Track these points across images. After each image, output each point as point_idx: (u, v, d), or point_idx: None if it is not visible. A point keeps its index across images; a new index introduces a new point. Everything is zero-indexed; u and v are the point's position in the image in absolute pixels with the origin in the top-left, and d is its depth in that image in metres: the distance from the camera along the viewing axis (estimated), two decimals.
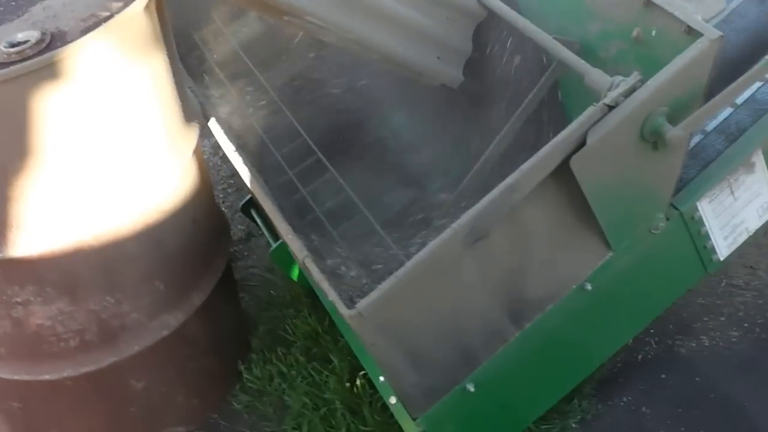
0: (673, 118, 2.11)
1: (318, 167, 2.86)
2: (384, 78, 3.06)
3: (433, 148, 2.95)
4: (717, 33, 2.08)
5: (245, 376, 2.95)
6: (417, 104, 2.99)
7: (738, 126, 2.52)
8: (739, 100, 2.56)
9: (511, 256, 2.21)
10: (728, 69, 2.21)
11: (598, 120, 2.07)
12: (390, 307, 2.04)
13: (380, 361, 2.21)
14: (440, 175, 2.90)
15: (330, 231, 2.73)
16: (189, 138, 2.55)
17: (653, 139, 2.13)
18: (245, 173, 2.53)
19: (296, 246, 2.28)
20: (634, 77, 2.12)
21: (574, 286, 2.34)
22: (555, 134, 2.17)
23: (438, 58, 2.61)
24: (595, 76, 2.27)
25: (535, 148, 2.05)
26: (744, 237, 2.57)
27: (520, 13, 2.63)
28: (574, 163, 2.07)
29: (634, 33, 2.33)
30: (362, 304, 2.00)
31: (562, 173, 2.08)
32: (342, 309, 2.05)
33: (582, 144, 2.06)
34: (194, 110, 2.64)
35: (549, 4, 2.62)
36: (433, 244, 2.02)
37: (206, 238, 2.70)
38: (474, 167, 2.63)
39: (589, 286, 2.34)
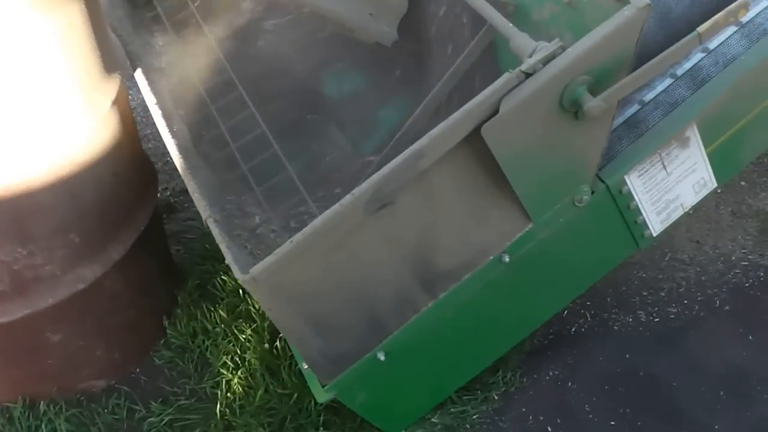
0: (596, 89, 2.02)
1: (251, 122, 2.76)
2: (326, 30, 2.95)
3: (369, 106, 2.85)
4: (644, 1, 1.97)
5: (168, 331, 2.90)
6: (356, 59, 2.88)
7: (677, 98, 2.42)
8: (680, 71, 2.45)
9: (421, 224, 2.13)
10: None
11: (513, 88, 1.97)
12: (286, 273, 1.97)
13: (280, 326, 2.16)
14: (374, 135, 2.80)
15: (254, 188, 2.64)
16: (107, 90, 2.46)
17: (573, 109, 2.04)
18: (162, 128, 2.44)
19: (201, 205, 2.20)
20: (554, 44, 2.01)
21: (491, 257, 2.26)
22: None
23: (370, 14, 2.51)
24: (520, 40, 2.16)
25: None
26: (679, 213, 2.48)
27: None
28: (486, 132, 1.98)
29: None
30: (256, 268, 1.94)
31: (477, 140, 1.99)
32: (236, 272, 1.98)
33: (495, 112, 1.96)
34: (117, 61, 2.54)
35: None
36: (331, 210, 1.94)
37: (127, 191, 2.63)
38: (400, 130, 2.54)
39: (507, 258, 2.26)
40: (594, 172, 2.25)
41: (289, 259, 1.94)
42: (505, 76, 1.96)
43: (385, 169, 1.95)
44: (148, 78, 2.65)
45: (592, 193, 2.28)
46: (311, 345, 2.20)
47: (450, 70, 2.45)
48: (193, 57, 3.02)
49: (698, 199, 2.49)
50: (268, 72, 2.93)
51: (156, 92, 2.61)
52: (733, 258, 2.99)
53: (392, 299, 2.23)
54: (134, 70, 2.65)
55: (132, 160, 2.67)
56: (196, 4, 3.14)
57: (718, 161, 2.44)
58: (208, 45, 3.01)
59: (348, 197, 1.95)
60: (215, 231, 2.13)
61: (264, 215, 2.58)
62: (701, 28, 2.02)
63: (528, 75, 1.98)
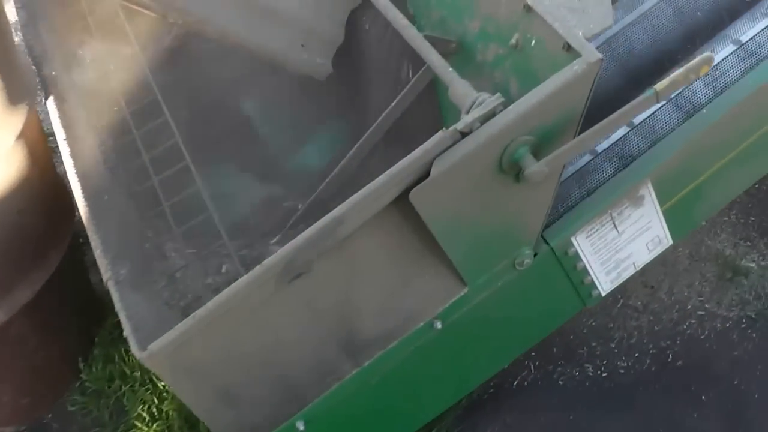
0: (540, 149, 1.83)
1: (176, 153, 2.54)
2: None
3: (300, 140, 2.63)
4: (596, 55, 1.77)
5: (83, 375, 2.69)
6: (290, 90, 2.66)
7: (633, 151, 2.23)
8: (637, 120, 2.26)
9: (342, 292, 1.94)
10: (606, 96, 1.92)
11: (447, 148, 1.77)
12: (188, 349, 1.77)
13: (185, 401, 1.96)
14: (306, 173, 2.59)
15: (173, 228, 2.43)
16: (10, 125, 2.23)
17: (513, 171, 1.84)
18: (69, 166, 2.21)
19: (102, 264, 1.98)
20: (495, 99, 1.82)
21: (422, 323, 2.07)
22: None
23: (302, 45, 2.29)
24: (460, 89, 1.97)
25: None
26: (630, 272, 2.31)
27: None
28: (415, 197, 1.78)
29: (513, 39, 2.02)
30: (155, 345, 1.73)
31: (404, 203, 1.79)
32: (134, 350, 1.78)
33: (426, 175, 1.77)
34: (25, 89, 2.31)
35: None
36: (239, 283, 1.74)
37: (36, 229, 2.40)
38: (331, 174, 2.33)
39: (439, 324, 2.08)
40: (537, 234, 2.06)
41: (191, 335, 1.74)
42: (438, 136, 1.76)
43: (300, 239, 1.74)
44: (63, 100, 2.42)
45: (535, 255, 2.10)
46: (220, 418, 2.00)
47: (387, 109, 2.24)
48: (119, 74, 2.79)
49: (652, 257, 2.31)
50: (196, 97, 2.71)
51: (70, 119, 2.38)
52: (689, 306, 2.82)
53: (312, 368, 2.04)
54: (47, 97, 2.41)
55: (42, 195, 2.44)
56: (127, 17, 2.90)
57: (674, 219, 2.26)
58: (137, 62, 2.77)
59: (258, 269, 1.74)
60: (115, 297, 1.91)
61: (183, 259, 2.37)
62: (659, 86, 1.82)
63: (464, 134, 1.78)
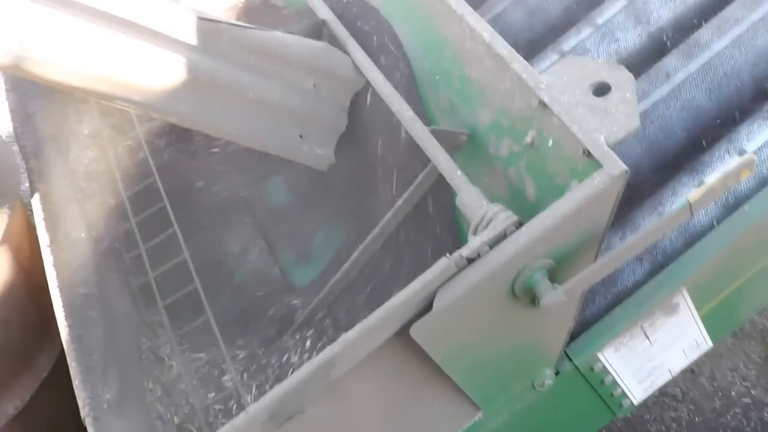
0: (558, 272, 1.63)
1: (174, 244, 2.37)
2: None
3: (305, 229, 2.44)
4: (620, 167, 1.57)
5: None
6: (297, 174, 2.45)
7: (664, 248, 2.01)
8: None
9: (339, 428, 1.75)
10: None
11: (452, 277, 1.57)
12: None
13: None
14: (309, 265, 2.40)
15: (169, 331, 2.26)
16: None
17: (528, 297, 1.64)
18: (51, 278, 2.05)
19: (80, 397, 1.82)
20: (506, 218, 1.63)
21: None
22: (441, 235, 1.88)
23: (300, 136, 2.10)
24: (467, 198, 1.78)
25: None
26: (666, 378, 2.09)
27: (410, 77, 2.13)
28: (417, 332, 1.59)
29: (528, 137, 1.81)
30: None
31: (404, 336, 1.60)
32: None
33: (429, 307, 1.57)
34: (3, 196, 2.15)
35: (443, 74, 2.10)
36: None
37: (22, 337, 2.24)
38: (337, 274, 2.14)
39: None
40: (557, 356, 1.86)
41: None
42: (442, 264, 1.57)
43: (288, 383, 1.56)
44: (51, 196, 2.27)
45: (557, 373, 1.89)
46: None
47: (391, 210, 2.04)
48: (119, 153, 2.63)
49: (689, 362, 2.09)
50: (196, 182, 2.54)
51: (57, 216, 2.23)
52: (733, 393, 2.59)
53: None
54: (33, 193, 2.25)
55: (29, 299, 2.28)
56: None
57: (714, 322, 2.04)
58: (137, 143, 2.61)
59: (241, 417, 1.56)
60: None
61: (179, 365, 2.20)
62: (693, 196, 1.61)
63: (471, 260, 1.58)
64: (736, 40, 2.19)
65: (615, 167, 1.56)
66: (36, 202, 2.19)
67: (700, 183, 1.57)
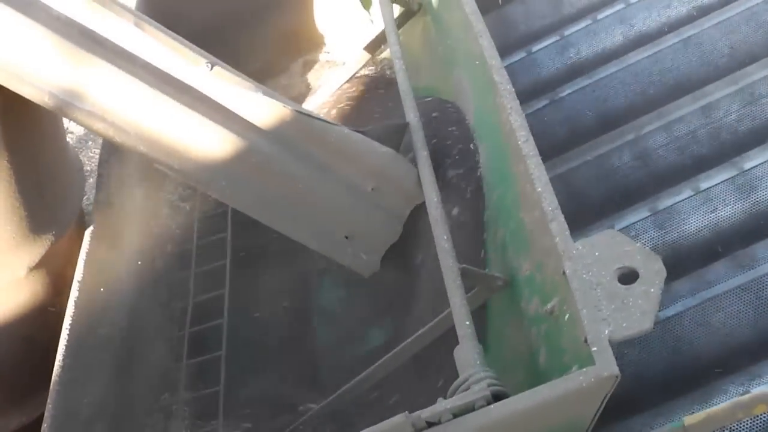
0: None
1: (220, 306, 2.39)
2: None
3: (345, 329, 2.38)
4: (612, 369, 1.42)
5: None
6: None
7: None
8: None
9: None
10: None
11: None
12: None
13: None
14: (336, 367, 2.33)
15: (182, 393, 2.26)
16: (23, 256, 2.14)
17: None
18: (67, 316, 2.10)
19: None
20: (479, 391, 1.52)
21: None
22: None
23: (346, 237, 2.05)
24: (465, 352, 1.68)
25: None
26: None
27: (476, 201, 2.06)
28: None
29: (550, 305, 1.68)
30: None
31: None
32: None
33: None
34: (50, 223, 2.19)
35: (504, 209, 2.00)
36: None
37: (44, 357, 2.30)
38: (351, 382, 2.07)
39: None
40: None
41: None
42: (398, 419, 1.49)
43: None
44: (103, 232, 2.32)
45: None
46: None
47: (413, 335, 1.96)
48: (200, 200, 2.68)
49: None
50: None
51: (98, 257, 2.27)
52: None
53: None
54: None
55: (58, 321, 2.34)
56: None
57: None
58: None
59: None
60: None
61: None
62: (690, 419, 1.44)
63: (430, 424, 1.49)
64: None
65: (606, 368, 1.42)
66: (88, 233, 2.25)
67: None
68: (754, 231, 2.13)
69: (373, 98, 2.78)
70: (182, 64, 1.92)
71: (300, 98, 2.88)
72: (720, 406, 1.42)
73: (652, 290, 1.54)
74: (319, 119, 2.00)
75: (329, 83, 2.79)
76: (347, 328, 2.34)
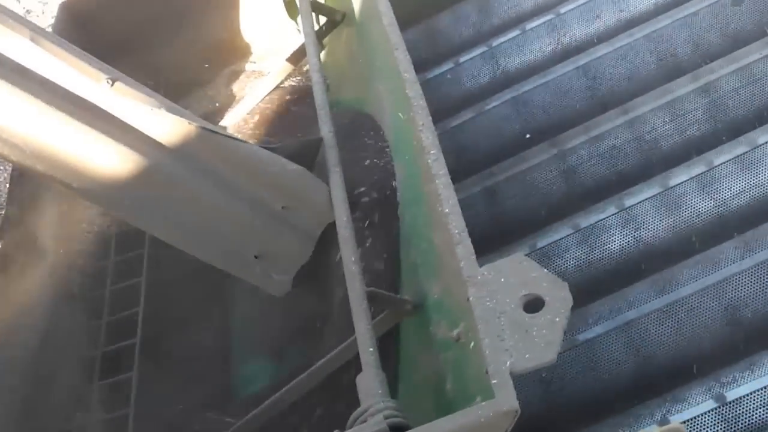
0: None
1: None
2: None
3: (268, 346, 2.30)
4: (511, 404, 1.35)
5: None
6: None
7: None
8: None
9: None
10: None
11: None
12: None
13: None
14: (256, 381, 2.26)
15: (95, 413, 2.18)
16: None
17: None
18: None
19: None
20: (374, 425, 1.45)
21: None
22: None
23: (255, 257, 1.97)
24: (367, 381, 1.61)
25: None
26: None
27: (389, 221, 1.99)
28: None
29: (456, 332, 1.62)
30: None
31: None
32: None
33: None
34: None
35: (417, 229, 1.94)
36: None
37: None
38: (261, 406, 1.99)
39: None
40: None
41: None
42: None
43: None
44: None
45: None
46: None
47: (322, 360, 1.89)
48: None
49: None
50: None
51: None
52: None
53: None
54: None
55: None
56: None
57: None
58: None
59: None
60: None
61: None
62: None
63: None
64: None
65: (506, 403, 1.35)
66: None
67: None
68: (677, 251, 2.09)
69: (298, 110, 2.70)
70: (81, 80, 1.83)
71: (223, 109, 2.80)
72: None
73: (557, 319, 1.48)
74: (227, 136, 1.92)
75: (252, 95, 2.70)
76: (265, 348, 2.26)
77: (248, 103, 2.69)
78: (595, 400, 1.97)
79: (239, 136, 2.08)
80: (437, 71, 2.69)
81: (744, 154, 2.12)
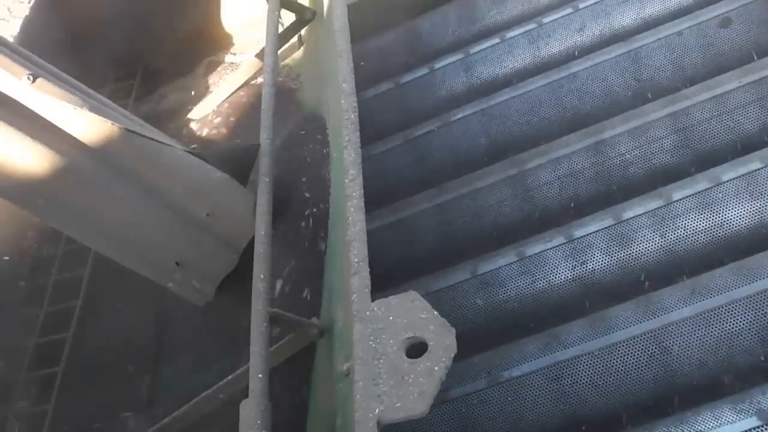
0: None
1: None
2: None
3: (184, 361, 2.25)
4: None
5: None
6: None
7: None
8: None
9: None
10: None
11: None
12: None
13: None
14: (171, 396, 2.20)
15: None
16: None
17: None
18: None
19: None
20: None
21: None
22: None
23: (177, 264, 1.91)
24: (248, 409, 1.54)
25: None
26: None
27: (313, 241, 1.92)
28: None
29: (346, 366, 1.55)
30: None
31: None
32: None
33: None
34: None
35: (335, 247, 1.86)
36: None
37: None
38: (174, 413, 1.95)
39: None
40: None
41: None
42: None
43: None
44: None
45: None
46: None
47: (227, 377, 1.83)
48: None
49: None
50: None
51: None
52: None
53: None
54: None
55: None
56: None
57: None
58: None
59: None
60: None
61: None
62: None
63: None
64: None
65: None
66: None
67: None
68: (623, 290, 1.97)
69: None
70: (1, 75, 1.78)
71: (199, 99, 2.74)
72: None
73: (436, 368, 1.40)
74: (152, 139, 1.86)
75: (220, 90, 2.64)
76: (192, 353, 2.21)
77: (215, 98, 2.63)
78: None
79: (172, 139, 2.01)
80: (411, 76, 2.58)
81: (705, 190, 1.99)
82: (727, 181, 1.98)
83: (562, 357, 1.87)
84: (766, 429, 1.64)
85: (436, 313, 1.45)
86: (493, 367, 1.89)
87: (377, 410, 1.35)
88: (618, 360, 1.83)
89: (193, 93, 2.79)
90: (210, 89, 2.78)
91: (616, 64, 2.33)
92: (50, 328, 2.26)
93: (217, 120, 2.59)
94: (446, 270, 2.11)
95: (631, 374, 1.82)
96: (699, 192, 1.99)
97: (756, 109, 2.10)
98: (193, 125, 2.58)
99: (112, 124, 1.80)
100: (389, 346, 1.43)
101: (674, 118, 2.15)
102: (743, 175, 1.97)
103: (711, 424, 1.68)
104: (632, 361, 1.83)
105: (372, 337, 1.44)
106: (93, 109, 1.80)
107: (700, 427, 1.69)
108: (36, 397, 2.13)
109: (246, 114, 2.57)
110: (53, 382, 2.13)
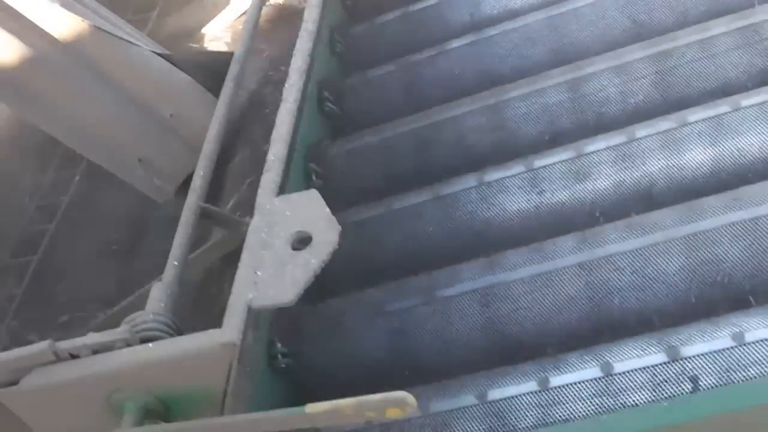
0: (170, 416, 1.47)
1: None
2: None
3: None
4: (229, 338, 1.39)
5: None
6: None
7: None
8: None
9: None
10: None
11: (51, 363, 1.48)
12: None
13: None
14: None
15: None
16: None
17: (118, 418, 1.50)
18: None
19: None
20: (121, 333, 1.49)
21: None
22: None
23: (139, 160, 2.01)
24: (152, 295, 1.63)
25: None
26: None
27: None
28: (4, 397, 1.52)
29: None
30: None
31: None
32: None
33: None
34: None
35: None
36: None
37: None
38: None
39: None
40: None
41: None
42: (43, 345, 1.49)
43: None
44: None
45: None
46: None
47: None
48: None
49: None
50: None
51: None
52: None
53: None
54: None
55: None
56: None
57: None
58: None
59: None
60: None
61: None
62: (312, 408, 1.36)
63: (73, 356, 1.48)
64: None
65: (225, 335, 1.37)
66: None
67: None
68: (577, 224, 1.94)
69: (281, 28, 2.69)
70: None
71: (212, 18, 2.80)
72: (347, 400, 1.32)
73: (313, 260, 1.45)
74: (119, 38, 1.95)
75: (232, 8, 2.70)
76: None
77: (229, 14, 2.70)
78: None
79: (143, 39, 2.09)
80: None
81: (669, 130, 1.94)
82: (692, 123, 1.93)
83: (494, 281, 1.87)
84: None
85: (328, 210, 1.50)
86: (431, 288, 1.91)
87: (250, 295, 1.42)
88: (550, 288, 1.83)
89: (209, 10, 2.86)
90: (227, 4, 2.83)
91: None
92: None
93: (230, 36, 2.66)
94: (409, 192, 2.13)
95: (560, 304, 1.82)
96: (662, 132, 1.94)
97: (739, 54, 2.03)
98: (207, 42, 2.66)
99: (82, 20, 1.89)
100: (278, 238, 1.50)
101: (656, 59, 2.09)
102: (710, 118, 1.92)
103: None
104: (564, 291, 1.82)
105: (265, 229, 1.51)
106: (64, 5, 1.90)
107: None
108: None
109: (259, 29, 2.63)
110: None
